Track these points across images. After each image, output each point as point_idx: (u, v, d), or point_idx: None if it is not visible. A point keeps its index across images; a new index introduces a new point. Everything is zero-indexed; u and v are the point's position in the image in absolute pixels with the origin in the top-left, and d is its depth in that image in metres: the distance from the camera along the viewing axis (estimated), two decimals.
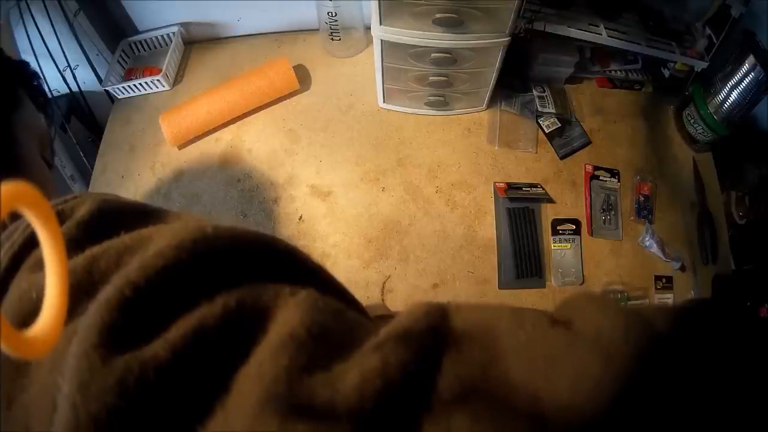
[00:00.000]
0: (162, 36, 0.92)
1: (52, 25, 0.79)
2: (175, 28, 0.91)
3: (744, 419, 0.17)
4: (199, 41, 0.95)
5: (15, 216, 0.15)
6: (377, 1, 0.62)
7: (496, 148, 0.81)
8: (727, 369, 0.18)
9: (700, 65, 0.77)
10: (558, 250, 0.74)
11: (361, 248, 0.74)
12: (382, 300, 0.71)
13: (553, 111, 0.83)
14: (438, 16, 0.63)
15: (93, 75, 0.88)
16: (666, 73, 0.85)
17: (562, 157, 0.80)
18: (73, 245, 0.21)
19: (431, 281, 0.72)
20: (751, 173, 0.77)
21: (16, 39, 0.77)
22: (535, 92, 0.85)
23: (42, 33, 0.78)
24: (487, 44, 0.68)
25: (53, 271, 0.15)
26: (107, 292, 0.18)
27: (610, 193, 0.78)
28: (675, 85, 0.84)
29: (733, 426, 0.17)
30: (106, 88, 0.88)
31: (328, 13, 0.80)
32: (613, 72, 0.87)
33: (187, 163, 0.83)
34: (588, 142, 0.82)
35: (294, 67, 0.84)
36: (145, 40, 0.92)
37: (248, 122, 0.86)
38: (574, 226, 0.75)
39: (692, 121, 0.79)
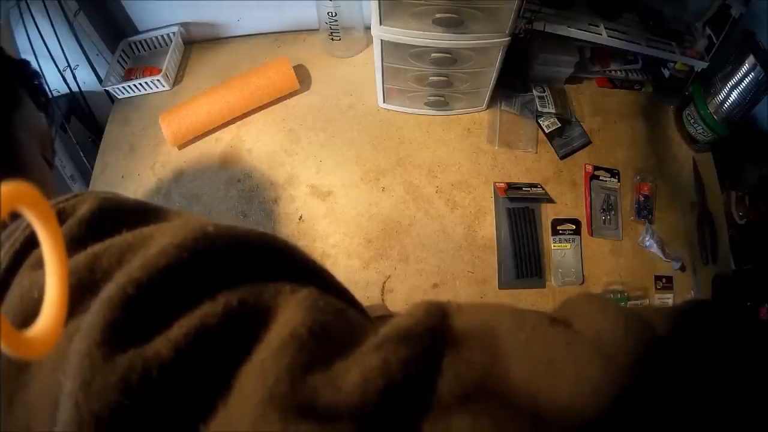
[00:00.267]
0: (162, 36, 0.92)
1: (52, 25, 0.79)
2: (175, 28, 0.91)
3: (744, 420, 0.17)
4: (199, 41, 0.95)
5: (15, 215, 0.15)
6: (377, 1, 0.62)
7: (496, 148, 0.81)
8: (728, 371, 0.18)
9: (700, 65, 0.77)
10: (558, 250, 0.74)
11: (361, 248, 0.74)
12: (382, 300, 0.71)
13: (553, 111, 0.83)
14: (438, 16, 0.63)
15: (93, 75, 0.88)
16: (666, 73, 0.85)
17: (562, 157, 0.80)
18: (75, 243, 0.21)
19: (431, 281, 0.72)
20: (751, 173, 0.77)
21: (16, 39, 0.77)
22: (535, 92, 0.85)
23: (42, 33, 0.78)
24: (487, 44, 0.68)
25: (53, 271, 0.15)
26: (110, 290, 0.18)
27: (610, 193, 0.78)
28: (675, 85, 0.84)
29: (734, 427, 0.17)
30: (106, 88, 0.88)
31: (328, 13, 0.80)
32: (613, 72, 0.87)
33: (187, 163, 0.83)
34: (588, 142, 0.82)
35: (294, 67, 0.83)
36: (145, 40, 0.92)
37: (248, 122, 0.86)
38: (574, 226, 0.75)
39: (692, 121, 0.79)
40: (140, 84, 0.88)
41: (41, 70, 0.74)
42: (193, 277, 0.19)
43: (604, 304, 0.20)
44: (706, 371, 0.18)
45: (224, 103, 0.82)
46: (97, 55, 0.90)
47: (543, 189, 0.77)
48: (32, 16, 0.76)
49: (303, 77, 0.88)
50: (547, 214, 0.76)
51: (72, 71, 0.86)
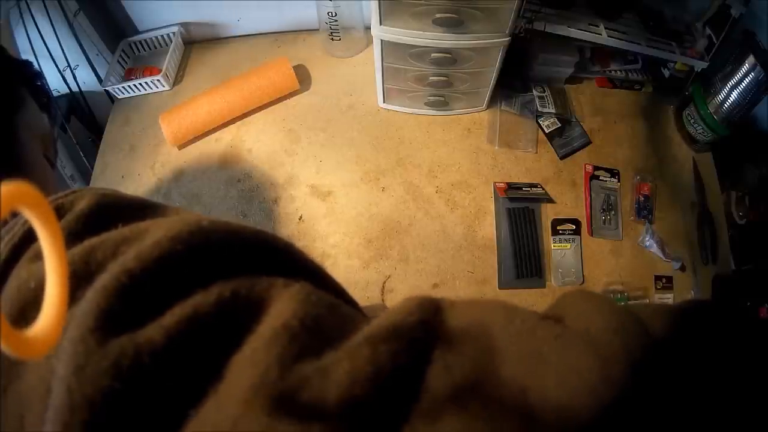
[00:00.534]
0: (162, 36, 0.92)
1: (52, 25, 0.79)
2: (175, 28, 0.91)
3: (742, 419, 0.17)
4: (199, 41, 0.95)
5: (16, 213, 0.15)
6: (377, 1, 0.62)
7: (496, 148, 0.81)
8: (727, 370, 0.18)
9: (700, 65, 0.77)
10: (558, 250, 0.74)
11: (361, 248, 0.74)
12: (382, 300, 0.71)
13: (553, 111, 0.83)
14: (438, 16, 0.63)
15: (93, 75, 0.88)
16: (666, 73, 0.85)
17: (562, 157, 0.80)
18: (72, 238, 0.21)
19: (431, 281, 0.72)
20: (751, 173, 0.77)
21: (16, 39, 0.77)
22: (535, 92, 0.85)
23: (42, 33, 0.78)
24: (487, 44, 0.68)
25: (53, 270, 0.15)
26: (104, 279, 0.18)
27: (610, 193, 0.78)
28: (675, 85, 0.84)
29: (733, 426, 0.16)
30: (106, 88, 0.88)
31: (328, 13, 0.80)
32: (613, 72, 0.87)
33: (187, 163, 0.83)
34: (588, 142, 0.82)
35: (294, 67, 0.84)
36: (145, 40, 0.92)
37: (248, 122, 0.86)
38: (574, 226, 0.75)
39: (692, 121, 0.79)
40: (140, 84, 0.88)
41: (41, 70, 0.74)
42: (186, 269, 0.19)
43: (596, 300, 0.20)
44: (703, 370, 0.18)
45: (224, 103, 0.82)
46: (97, 55, 0.90)
47: (543, 189, 0.77)
48: (32, 16, 0.76)
49: (303, 77, 0.88)
50: (547, 214, 0.76)
51: (72, 71, 0.86)
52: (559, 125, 0.82)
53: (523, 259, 0.72)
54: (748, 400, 0.17)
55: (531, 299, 0.72)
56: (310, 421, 0.15)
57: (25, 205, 0.14)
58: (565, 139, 0.82)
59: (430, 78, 0.75)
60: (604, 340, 0.17)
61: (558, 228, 0.75)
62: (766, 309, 0.62)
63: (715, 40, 0.75)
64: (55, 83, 0.85)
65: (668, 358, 0.18)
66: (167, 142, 0.82)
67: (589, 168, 0.79)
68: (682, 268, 0.73)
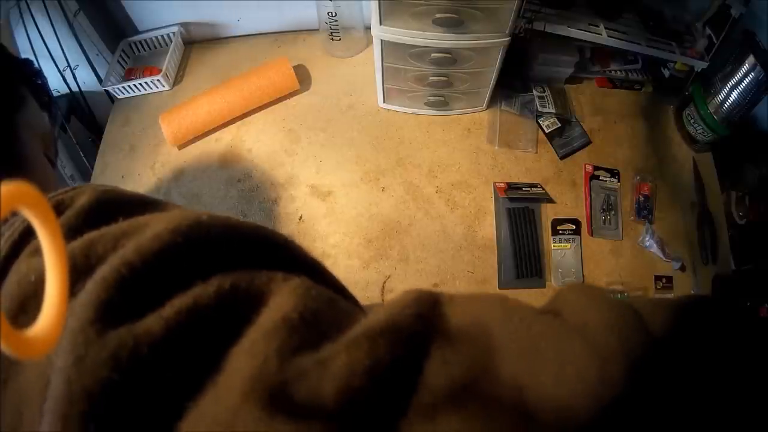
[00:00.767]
0: (162, 36, 0.92)
1: (52, 25, 0.79)
2: (175, 28, 0.91)
3: (740, 417, 0.16)
4: (199, 41, 0.95)
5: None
6: (377, 1, 0.62)
7: (496, 148, 0.81)
8: (725, 366, 0.18)
9: (700, 65, 0.77)
10: (558, 250, 0.74)
11: (361, 248, 0.74)
12: (382, 300, 0.71)
13: (553, 111, 0.83)
14: (438, 16, 0.63)
15: (93, 75, 0.88)
16: (666, 73, 0.85)
17: (562, 157, 0.80)
18: (72, 233, 0.21)
19: (431, 281, 0.72)
20: (751, 173, 0.77)
21: (16, 39, 0.77)
22: (535, 92, 0.85)
23: (42, 33, 0.78)
24: (487, 44, 0.68)
25: (53, 270, 0.15)
26: (103, 271, 0.18)
27: (610, 193, 0.78)
28: (675, 85, 0.84)
29: (730, 423, 0.16)
30: (106, 88, 0.88)
31: (328, 13, 0.80)
32: (613, 72, 0.87)
33: (187, 163, 0.83)
34: (588, 142, 0.82)
35: (294, 67, 0.83)
36: (145, 40, 0.92)
37: (248, 122, 0.86)
38: (574, 226, 0.75)
39: (692, 121, 0.79)
40: (140, 84, 0.88)
41: (41, 69, 0.74)
42: (186, 262, 0.19)
43: (593, 294, 0.20)
44: (703, 367, 0.17)
45: (224, 103, 0.82)
46: (97, 55, 0.90)
47: (543, 189, 0.77)
48: (32, 16, 0.76)
49: (303, 77, 0.88)
50: (547, 214, 0.76)
51: (72, 71, 0.86)
52: (559, 125, 0.82)
53: (523, 259, 0.72)
54: (748, 398, 0.17)
55: (531, 299, 0.71)
56: (308, 414, 0.15)
57: (25, 204, 0.14)
58: (565, 139, 0.82)
59: (430, 78, 0.75)
60: (602, 336, 0.17)
61: (558, 228, 0.75)
62: (766, 309, 0.62)
63: (715, 40, 0.75)
64: (55, 83, 0.85)
65: (667, 355, 0.17)
66: (167, 142, 0.82)
67: (589, 168, 0.79)
68: (682, 268, 0.73)
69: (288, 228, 0.76)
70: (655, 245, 0.72)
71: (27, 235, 0.22)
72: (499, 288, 0.72)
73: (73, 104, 0.90)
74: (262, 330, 0.17)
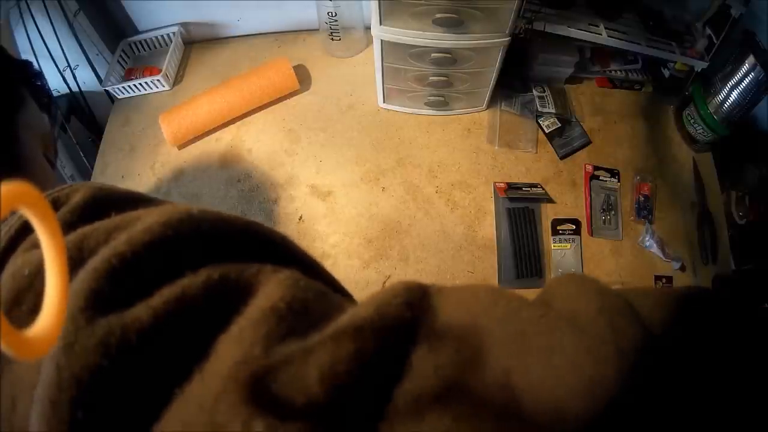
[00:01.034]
0: (162, 36, 0.92)
1: (52, 25, 0.79)
2: (175, 28, 0.91)
3: (742, 416, 0.16)
4: (199, 41, 0.95)
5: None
6: (377, 1, 0.62)
7: (496, 148, 0.81)
8: (724, 357, 0.17)
9: (700, 65, 0.77)
10: (558, 250, 0.74)
11: (361, 248, 0.74)
12: None
13: (553, 111, 0.83)
14: (438, 16, 0.63)
15: (93, 75, 0.88)
16: (666, 73, 0.85)
17: (562, 157, 0.80)
18: (67, 228, 0.22)
19: (431, 281, 0.71)
20: (751, 173, 0.77)
21: (16, 39, 0.77)
22: (535, 92, 0.85)
23: (42, 33, 0.78)
24: (487, 44, 0.68)
25: (53, 270, 0.15)
26: (95, 261, 0.18)
27: (610, 193, 0.78)
28: (675, 85, 0.83)
29: (727, 419, 0.16)
30: (106, 88, 0.88)
31: (328, 13, 0.80)
32: (613, 72, 0.87)
33: (187, 163, 0.83)
34: (588, 142, 0.82)
35: (294, 67, 0.83)
36: (145, 40, 0.92)
37: (248, 122, 0.86)
38: (574, 226, 0.75)
39: (692, 121, 0.79)
40: (140, 84, 0.88)
41: (41, 70, 0.74)
42: (176, 253, 0.19)
43: (583, 282, 0.19)
44: (698, 354, 0.17)
45: (224, 103, 0.82)
46: (97, 55, 0.90)
47: (543, 189, 0.77)
48: (32, 16, 0.76)
49: (303, 77, 0.88)
50: (547, 214, 0.76)
51: (72, 71, 0.86)
52: (559, 125, 0.82)
53: (523, 259, 0.72)
54: (748, 395, 0.17)
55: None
56: (291, 399, 0.15)
57: (24, 204, 0.14)
58: (565, 139, 0.82)
59: (430, 78, 0.75)
60: (591, 323, 0.17)
61: (558, 228, 0.75)
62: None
63: (715, 40, 0.75)
64: (55, 83, 0.85)
65: (658, 342, 0.17)
66: (167, 142, 0.82)
67: (589, 168, 0.79)
68: (682, 268, 0.73)
69: (288, 228, 0.76)
70: (655, 245, 0.72)
71: (24, 230, 0.22)
72: None
73: (73, 104, 0.90)
74: (250, 319, 0.18)
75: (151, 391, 0.16)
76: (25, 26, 0.76)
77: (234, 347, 0.17)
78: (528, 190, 0.76)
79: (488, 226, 0.75)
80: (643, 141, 0.82)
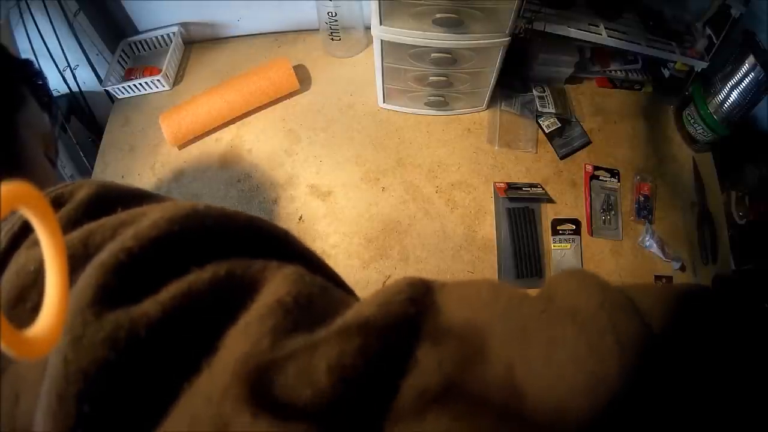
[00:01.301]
0: (162, 36, 0.92)
1: (52, 25, 0.79)
2: (175, 28, 0.91)
3: (743, 414, 0.16)
4: (199, 41, 0.95)
5: None
6: (377, 1, 0.62)
7: (496, 148, 0.81)
8: (723, 353, 0.17)
9: (700, 65, 0.77)
10: (558, 250, 0.74)
11: (361, 248, 0.74)
12: None
13: (553, 111, 0.83)
14: (438, 16, 0.63)
15: (93, 75, 0.88)
16: (666, 73, 0.85)
17: (562, 157, 0.80)
18: (72, 225, 0.22)
19: None
20: (751, 173, 0.77)
21: (16, 39, 0.77)
22: (535, 92, 0.85)
23: (42, 33, 0.78)
24: (487, 44, 0.68)
25: (53, 270, 0.15)
26: (101, 257, 0.18)
27: (610, 193, 0.78)
28: (675, 85, 0.83)
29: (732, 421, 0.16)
30: (106, 88, 0.88)
31: (328, 13, 0.80)
32: (613, 72, 0.87)
33: (187, 163, 0.83)
34: (588, 142, 0.82)
35: (294, 67, 0.83)
36: (145, 40, 0.92)
37: (248, 122, 0.86)
38: (574, 226, 0.75)
39: (692, 121, 0.79)
40: (140, 84, 0.88)
41: (41, 69, 0.74)
42: (182, 249, 0.20)
43: (584, 277, 0.19)
44: (694, 348, 0.17)
45: (224, 103, 0.82)
46: (97, 55, 0.90)
47: (543, 189, 0.77)
48: (32, 16, 0.76)
49: (303, 77, 0.88)
50: (547, 214, 0.76)
51: (72, 71, 0.86)
52: (559, 125, 0.82)
53: (523, 259, 0.72)
54: (747, 392, 0.16)
55: None
56: (299, 392, 0.15)
57: (24, 205, 0.14)
58: (565, 139, 0.82)
59: (430, 78, 0.75)
60: (592, 318, 0.17)
61: (558, 228, 0.75)
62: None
63: (715, 40, 0.75)
64: (55, 83, 0.85)
65: (660, 339, 0.17)
66: (167, 142, 0.82)
67: (589, 168, 0.79)
68: (682, 268, 0.73)
69: (288, 228, 0.76)
70: (655, 245, 0.72)
71: (27, 227, 0.22)
72: None
73: (73, 104, 0.90)
74: (257, 313, 0.18)
75: (159, 385, 0.16)
76: (25, 26, 0.76)
77: (242, 341, 0.17)
78: (528, 190, 0.76)
79: (488, 226, 0.75)
80: (643, 141, 0.82)
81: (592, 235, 0.75)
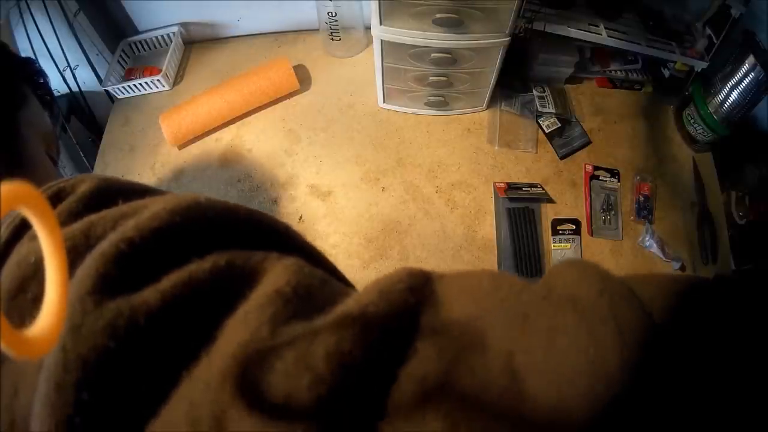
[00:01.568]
0: (162, 36, 0.92)
1: (52, 25, 0.79)
2: (175, 28, 0.91)
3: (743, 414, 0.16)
4: (199, 41, 0.95)
5: None
6: (377, 1, 0.62)
7: (496, 148, 0.81)
8: (723, 344, 0.17)
9: (700, 65, 0.77)
10: (558, 250, 0.74)
11: (361, 248, 0.74)
12: None
13: (553, 111, 0.83)
14: (438, 16, 0.63)
15: (93, 75, 0.88)
16: (666, 73, 0.85)
17: (562, 157, 0.80)
18: (73, 218, 0.22)
19: None
20: (751, 173, 0.77)
21: (16, 39, 0.77)
22: (535, 92, 0.85)
23: (42, 33, 0.78)
24: (487, 44, 0.68)
25: (53, 270, 0.15)
26: (102, 247, 0.18)
27: (610, 193, 0.78)
28: (675, 85, 0.83)
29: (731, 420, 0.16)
30: (106, 88, 0.88)
31: (328, 13, 0.80)
32: (613, 72, 0.87)
33: (187, 163, 0.83)
34: (588, 142, 0.82)
35: (294, 67, 0.83)
36: (145, 40, 0.92)
37: (248, 122, 0.86)
38: (574, 226, 0.75)
39: (692, 121, 0.79)
40: (140, 84, 0.88)
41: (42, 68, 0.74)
42: (183, 240, 0.20)
43: (584, 267, 0.19)
44: (695, 339, 0.17)
45: (224, 103, 0.82)
46: (97, 55, 0.90)
47: (543, 189, 0.77)
48: (32, 16, 0.76)
49: (303, 77, 0.88)
50: (547, 214, 0.76)
51: (72, 71, 0.86)
52: (559, 125, 0.82)
53: (523, 259, 0.72)
54: (747, 385, 0.16)
55: None
56: (298, 379, 0.15)
57: (24, 205, 0.14)
58: (565, 139, 0.82)
59: (430, 78, 0.75)
60: (591, 303, 0.17)
61: (558, 228, 0.75)
62: None
63: (715, 40, 0.75)
64: (55, 83, 0.85)
65: (660, 327, 0.17)
66: (167, 142, 0.82)
67: (589, 168, 0.79)
68: (682, 268, 0.73)
69: None
70: (655, 245, 0.72)
71: (27, 221, 0.22)
72: None
73: (73, 104, 0.90)
74: (257, 302, 0.18)
75: (158, 373, 0.16)
76: (25, 26, 0.76)
77: (241, 329, 0.17)
78: (528, 190, 0.76)
79: (488, 226, 0.75)
80: (643, 141, 0.82)
81: (592, 235, 0.75)
